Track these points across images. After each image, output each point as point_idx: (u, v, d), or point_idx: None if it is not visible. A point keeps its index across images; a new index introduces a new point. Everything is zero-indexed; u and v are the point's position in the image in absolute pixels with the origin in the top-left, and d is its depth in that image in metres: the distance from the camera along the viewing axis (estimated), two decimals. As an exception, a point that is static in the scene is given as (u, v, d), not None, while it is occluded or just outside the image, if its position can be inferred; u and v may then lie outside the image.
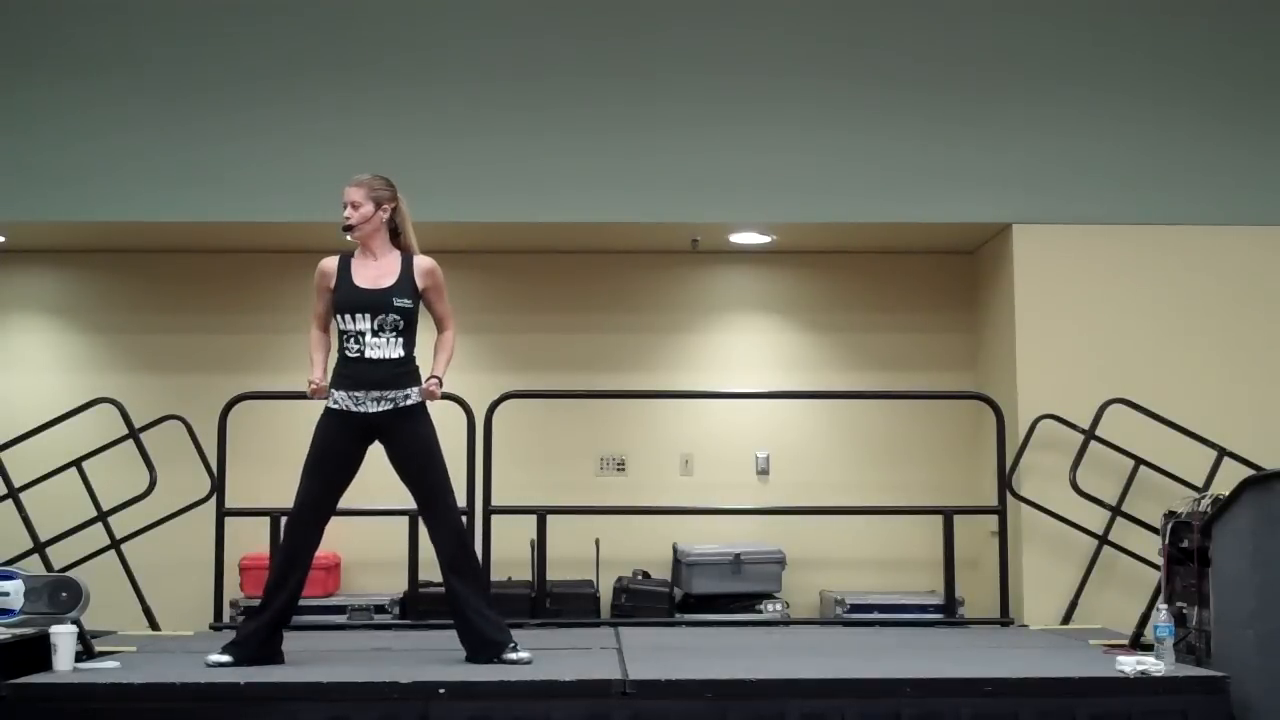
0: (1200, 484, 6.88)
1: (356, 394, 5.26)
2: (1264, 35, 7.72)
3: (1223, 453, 7.03)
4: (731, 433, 8.32)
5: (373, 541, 7.56)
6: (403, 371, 5.30)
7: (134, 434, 7.15)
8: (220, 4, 7.68)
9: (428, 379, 5.36)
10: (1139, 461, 7.15)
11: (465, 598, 5.31)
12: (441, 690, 4.76)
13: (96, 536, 7.04)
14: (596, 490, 8.07)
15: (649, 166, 7.59)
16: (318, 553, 5.42)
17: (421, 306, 5.42)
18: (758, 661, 5.41)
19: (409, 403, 5.30)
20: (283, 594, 5.29)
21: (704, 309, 8.47)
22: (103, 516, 7.04)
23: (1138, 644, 5.97)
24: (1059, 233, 7.59)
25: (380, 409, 5.26)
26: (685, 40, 7.68)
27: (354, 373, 5.27)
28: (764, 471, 8.33)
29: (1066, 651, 5.91)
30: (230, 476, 6.97)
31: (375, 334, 5.26)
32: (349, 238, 5.38)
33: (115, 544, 7.07)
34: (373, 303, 5.27)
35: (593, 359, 8.29)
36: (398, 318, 5.28)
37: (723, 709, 4.76)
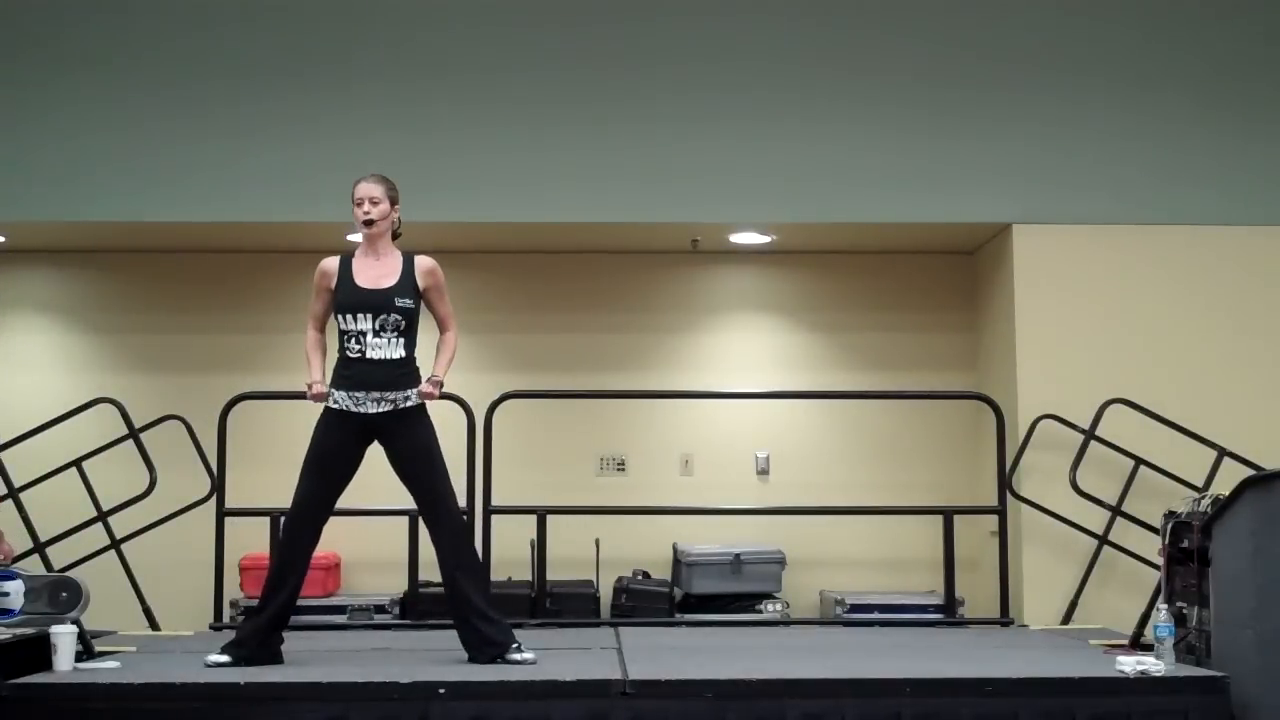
0: (1200, 484, 6.88)
1: (357, 394, 5.25)
2: (1264, 34, 7.72)
3: (1223, 453, 7.03)
4: (731, 433, 8.32)
5: (373, 541, 7.56)
6: (404, 372, 5.29)
7: (134, 434, 7.15)
8: (220, 4, 7.68)
9: (427, 378, 5.34)
10: (1139, 461, 7.15)
11: (466, 601, 5.29)
12: (441, 690, 4.75)
13: (96, 536, 7.04)
14: (596, 490, 8.07)
15: (649, 166, 7.59)
16: (317, 552, 5.41)
17: (423, 307, 5.41)
18: (758, 661, 5.40)
19: (409, 404, 5.28)
20: (281, 594, 5.28)
21: (704, 309, 8.47)
22: (103, 516, 7.05)
23: (1138, 644, 5.96)
24: (1059, 233, 7.59)
25: (380, 410, 5.25)
26: (685, 40, 7.67)
27: (355, 373, 5.26)
28: (764, 472, 8.33)
29: (1066, 651, 5.90)
30: (230, 476, 6.96)
31: (377, 334, 5.25)
32: (367, 233, 5.31)
33: (115, 544, 7.07)
34: (375, 303, 5.25)
35: (593, 359, 8.29)
36: (399, 318, 5.26)
37: (723, 709, 4.76)
